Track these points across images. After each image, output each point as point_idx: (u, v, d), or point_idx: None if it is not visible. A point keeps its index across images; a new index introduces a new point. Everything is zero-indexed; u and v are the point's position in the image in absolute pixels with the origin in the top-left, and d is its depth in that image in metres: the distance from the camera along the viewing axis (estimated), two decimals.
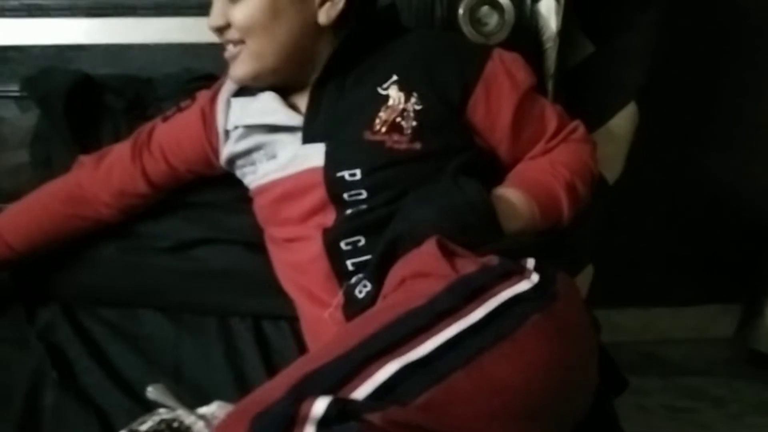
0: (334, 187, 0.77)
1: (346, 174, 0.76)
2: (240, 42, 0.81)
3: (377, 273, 0.70)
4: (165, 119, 0.91)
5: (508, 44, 1.01)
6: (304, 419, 0.44)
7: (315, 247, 0.76)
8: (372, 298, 0.69)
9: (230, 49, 0.83)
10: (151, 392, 0.76)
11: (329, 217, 0.77)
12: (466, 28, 1.02)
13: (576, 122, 0.86)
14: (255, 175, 0.86)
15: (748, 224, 1.67)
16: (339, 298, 0.73)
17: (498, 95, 0.79)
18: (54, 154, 0.96)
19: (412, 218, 0.70)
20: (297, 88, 0.84)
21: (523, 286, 0.60)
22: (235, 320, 0.91)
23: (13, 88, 1.09)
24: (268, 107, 0.84)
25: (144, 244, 0.93)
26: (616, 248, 1.54)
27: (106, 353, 0.85)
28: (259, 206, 0.87)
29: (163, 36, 1.08)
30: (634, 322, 1.69)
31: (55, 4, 1.07)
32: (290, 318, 0.89)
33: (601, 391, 0.71)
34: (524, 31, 1.02)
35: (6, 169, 1.14)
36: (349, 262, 0.74)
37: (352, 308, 0.70)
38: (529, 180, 0.79)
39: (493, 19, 1.02)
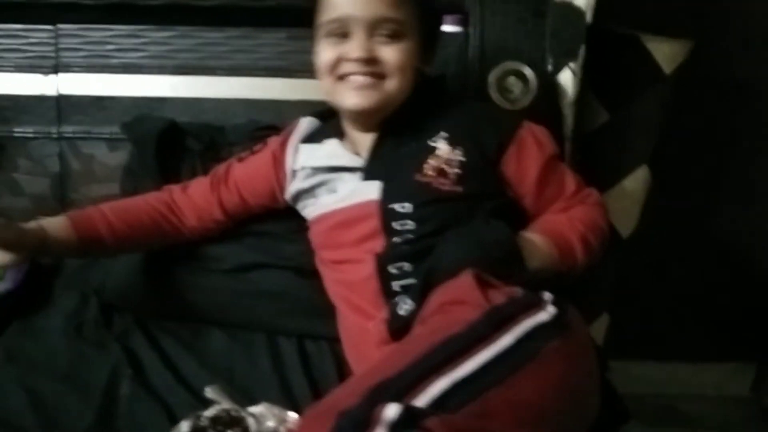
0: (387, 217, 0.91)
1: (397, 206, 0.91)
2: (379, 76, 0.93)
3: (418, 295, 0.82)
4: (240, 159, 1.08)
5: (531, 109, 1.16)
6: (378, 422, 0.53)
7: (366, 269, 0.89)
8: (412, 316, 0.81)
9: (362, 79, 0.93)
10: (209, 391, 0.88)
11: (379, 244, 0.90)
12: (494, 95, 1.16)
13: (591, 189, 1.00)
14: (315, 207, 1.01)
15: (764, 281, 1.71)
16: (384, 313, 0.86)
17: (527, 156, 0.95)
18: (141, 186, 1.12)
19: (450, 251, 0.83)
20: (360, 135, 1.00)
21: (543, 316, 0.71)
22: (281, 338, 1.03)
23: (105, 131, 1.28)
24: (334, 152, 1.00)
25: (209, 265, 1.07)
26: (635, 301, 1.61)
27: (171, 358, 0.97)
28: (316, 232, 1.01)
29: (233, 92, 1.26)
30: (652, 375, 1.73)
31: (147, 62, 1.27)
32: (330, 339, 1.01)
33: (604, 418, 0.82)
34: (545, 99, 1.16)
35: (90, 199, 1.31)
36: (395, 284, 0.87)
37: (395, 322, 0.83)
38: (550, 229, 0.92)
39: (518, 88, 1.17)
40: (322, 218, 1.00)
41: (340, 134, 1.03)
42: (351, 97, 0.94)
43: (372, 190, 0.93)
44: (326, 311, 1.01)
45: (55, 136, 1.30)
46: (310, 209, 1.03)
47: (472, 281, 0.75)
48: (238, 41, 1.26)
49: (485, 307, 0.71)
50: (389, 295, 0.87)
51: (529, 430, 0.62)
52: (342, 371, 0.96)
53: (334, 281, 0.98)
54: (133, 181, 1.16)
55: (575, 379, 0.72)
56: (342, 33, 0.93)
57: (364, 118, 0.98)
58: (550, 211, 0.96)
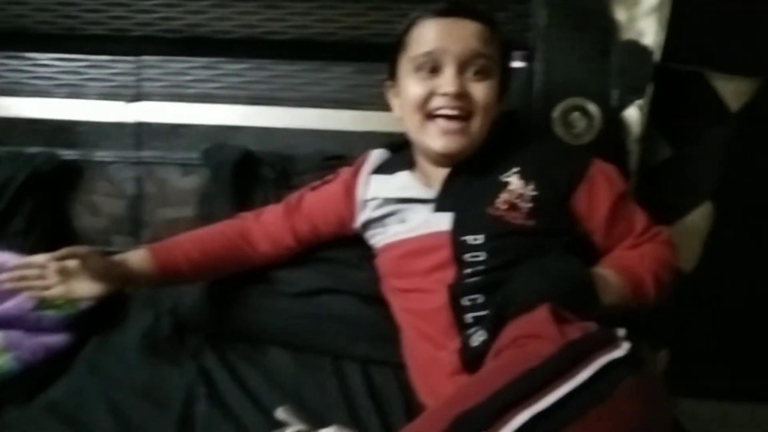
0: (459, 249, 0.93)
1: (470, 238, 0.93)
2: (465, 116, 0.95)
3: (492, 327, 0.84)
4: (313, 188, 1.12)
5: (594, 145, 1.18)
6: None
7: (438, 299, 0.91)
8: (485, 347, 0.83)
9: (451, 124, 0.95)
10: (281, 412, 0.92)
11: (449, 274, 0.92)
12: (558, 130, 1.19)
13: (660, 227, 1.00)
14: (384, 236, 1.04)
15: None
16: (456, 343, 0.88)
17: (597, 193, 0.96)
18: (217, 210, 1.17)
19: (525, 285, 0.84)
20: (433, 169, 1.02)
21: (618, 352, 0.71)
22: (346, 362, 1.06)
23: (180, 157, 1.35)
24: (406, 184, 1.03)
25: (278, 289, 1.11)
26: (694, 340, 1.59)
27: (243, 377, 1.00)
28: (384, 260, 1.04)
29: (303, 123, 1.31)
30: (710, 414, 1.69)
31: (221, 93, 1.34)
32: (394, 365, 1.03)
33: None
34: (609, 134, 1.18)
35: (164, 221, 1.38)
36: (467, 316, 0.89)
37: (468, 353, 0.85)
38: (622, 265, 0.93)
39: (582, 123, 1.19)
40: (392, 247, 1.02)
41: (411, 166, 1.06)
42: (439, 140, 0.96)
43: (443, 222, 0.96)
44: (391, 337, 1.03)
45: (133, 160, 1.37)
46: (378, 238, 1.06)
47: (547, 315, 0.77)
48: (308, 74, 1.32)
49: (561, 341, 0.72)
50: (461, 326, 0.89)
51: None
52: (407, 397, 0.98)
53: (403, 309, 1.00)
54: (209, 206, 1.22)
55: (650, 415, 0.72)
56: (432, 68, 0.95)
57: (447, 159, 1.00)
58: (620, 248, 0.97)
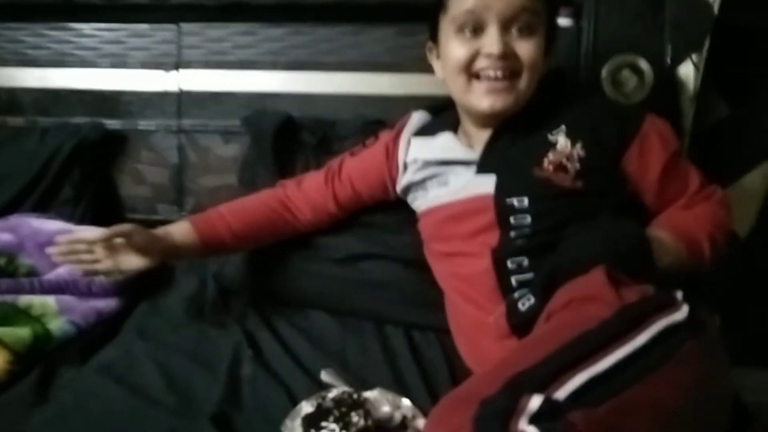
0: (503, 212, 0.90)
1: (515, 200, 0.90)
2: (512, 75, 0.91)
3: (541, 292, 0.81)
4: (353, 154, 1.11)
5: (646, 104, 1.13)
6: (521, 411, 0.54)
7: (482, 263, 0.89)
8: (533, 312, 0.81)
9: (497, 84, 0.91)
10: (325, 375, 0.93)
11: (493, 237, 0.90)
12: (608, 88, 1.14)
13: (715, 186, 0.96)
14: (425, 199, 1.02)
15: None
16: (502, 308, 0.86)
17: (650, 152, 0.91)
18: (258, 177, 1.18)
19: (578, 247, 0.81)
20: (476, 130, 0.99)
21: (677, 316, 0.70)
22: (389, 327, 1.06)
23: (221, 125, 1.36)
24: (448, 145, 1.01)
25: (321, 254, 1.11)
26: (745, 306, 1.54)
27: (287, 341, 1.01)
28: (426, 224, 1.03)
29: (343, 88, 1.30)
30: (764, 383, 1.65)
31: (261, 59, 1.33)
32: (437, 330, 1.03)
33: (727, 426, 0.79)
34: (662, 93, 1.12)
35: (207, 189, 1.40)
36: (513, 278, 0.87)
37: (515, 318, 0.84)
38: (676, 225, 0.89)
39: (632, 82, 1.13)
40: (434, 210, 1.01)
41: (453, 127, 1.03)
42: (485, 99, 0.92)
43: (487, 184, 0.93)
44: (433, 302, 1.03)
45: (174, 129, 1.38)
46: (420, 201, 1.04)
47: (603, 278, 0.74)
48: (347, 37, 1.30)
49: (618, 304, 0.70)
50: (507, 290, 0.87)
51: (665, 431, 0.61)
52: (451, 361, 0.97)
53: (447, 273, 0.99)
54: (250, 173, 1.22)
55: (710, 381, 0.70)
56: (475, 27, 0.91)
57: (493, 119, 0.96)
58: (673, 208, 0.93)
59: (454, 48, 0.93)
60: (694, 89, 1.13)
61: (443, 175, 1.00)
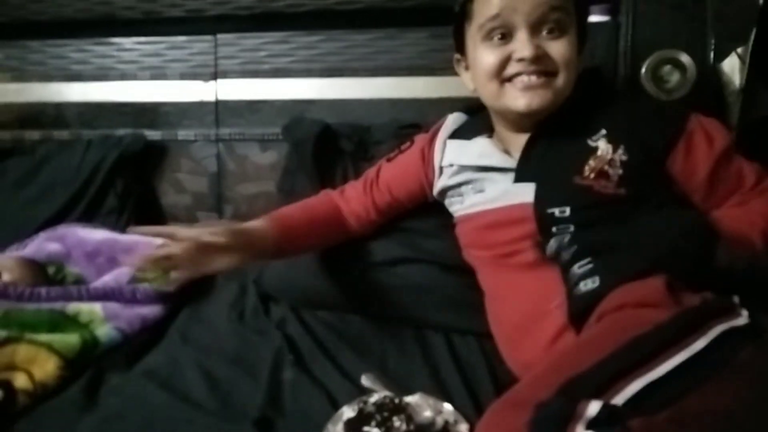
0: (544, 222, 0.87)
1: (556, 211, 0.86)
2: (548, 74, 0.88)
3: (606, 277, 0.79)
4: (389, 160, 1.10)
5: (689, 99, 1.10)
6: (579, 417, 0.53)
7: (529, 255, 0.88)
8: (594, 296, 0.78)
9: (533, 80, 0.88)
10: (365, 379, 0.93)
11: (535, 236, 0.88)
12: (648, 86, 1.11)
13: None
14: (462, 205, 1.00)
15: None
16: (562, 294, 0.83)
17: (696, 152, 0.87)
18: (297, 185, 1.19)
19: (640, 250, 0.79)
20: (512, 135, 0.96)
21: (737, 321, 0.67)
22: (428, 331, 1.06)
23: (258, 133, 1.38)
24: (484, 151, 0.97)
25: (359, 259, 1.11)
26: None
27: (326, 346, 1.02)
28: (464, 231, 1.01)
29: (377, 93, 1.31)
30: None
31: (295, 66, 1.35)
32: (477, 334, 1.02)
33: None
34: (706, 88, 1.09)
35: (244, 197, 1.42)
36: (574, 268, 0.83)
37: (575, 302, 0.81)
38: (728, 226, 0.83)
39: (674, 77, 1.11)
40: (471, 218, 0.99)
41: (490, 131, 1.01)
42: (521, 98, 0.88)
43: (525, 193, 0.90)
44: (473, 305, 1.01)
45: (213, 138, 1.41)
46: (456, 207, 1.03)
47: (662, 285, 0.72)
48: (380, 42, 1.31)
49: (675, 309, 0.68)
50: (566, 278, 0.84)
51: None
52: (492, 366, 0.96)
53: (492, 273, 0.96)
54: (290, 181, 1.24)
55: None
56: (503, 33, 0.88)
57: (529, 119, 0.93)
58: (726, 205, 0.88)
59: (483, 56, 0.90)
60: (740, 83, 1.09)
61: (479, 181, 0.98)
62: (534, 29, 0.87)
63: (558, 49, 0.87)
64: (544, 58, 0.87)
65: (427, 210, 1.10)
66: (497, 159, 0.96)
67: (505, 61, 0.88)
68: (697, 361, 0.62)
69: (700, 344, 0.63)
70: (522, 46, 0.86)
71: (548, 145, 0.92)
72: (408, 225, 1.12)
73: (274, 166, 1.36)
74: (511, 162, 0.94)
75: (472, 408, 0.86)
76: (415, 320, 1.08)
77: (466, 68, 0.98)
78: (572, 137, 0.90)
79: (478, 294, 1.00)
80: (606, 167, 0.86)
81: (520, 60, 0.87)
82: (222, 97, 1.40)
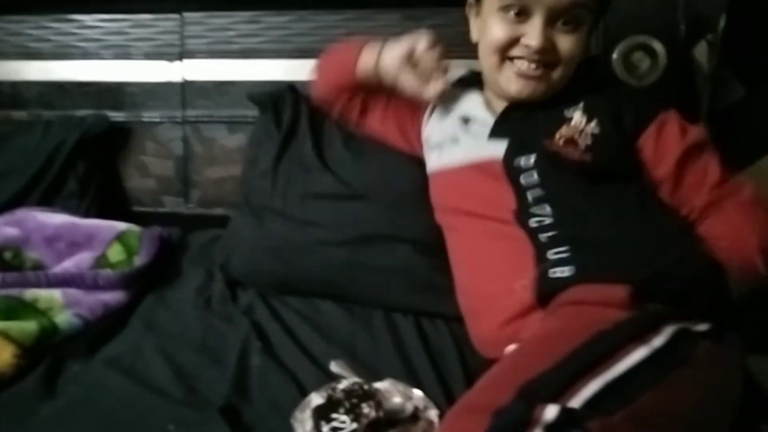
0: (513, 173, 0.89)
1: (521, 159, 0.89)
2: (546, 66, 0.90)
3: (583, 271, 0.78)
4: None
5: (659, 86, 1.11)
6: (536, 422, 0.53)
7: (504, 227, 0.87)
8: (563, 285, 0.78)
9: (531, 68, 0.89)
10: (334, 365, 0.91)
11: (511, 202, 0.88)
12: (619, 71, 1.11)
13: (742, 180, 0.89)
14: (439, 159, 1.01)
15: None
16: (531, 275, 0.82)
17: (666, 139, 0.88)
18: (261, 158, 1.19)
19: (663, 269, 0.77)
20: (496, 99, 0.98)
21: (698, 327, 0.68)
22: (398, 316, 1.04)
23: (226, 115, 1.34)
24: (471, 103, 1.00)
25: (325, 237, 1.08)
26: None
27: (295, 332, 1.00)
28: (438, 188, 1.02)
29: None
30: None
31: (265, 47, 1.31)
32: (446, 317, 1.01)
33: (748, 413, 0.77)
34: (676, 74, 1.10)
35: (211, 180, 1.38)
36: (540, 236, 0.84)
37: (544, 286, 0.80)
38: (728, 258, 0.80)
39: (645, 63, 1.11)
40: (445, 173, 0.99)
41: (482, 86, 1.02)
42: (515, 83, 0.90)
43: (498, 149, 0.92)
44: (443, 289, 1.01)
45: (179, 120, 1.37)
46: (434, 160, 1.03)
47: (626, 293, 0.72)
48: (352, 23, 1.28)
49: (634, 312, 0.68)
50: (538, 254, 0.83)
51: None
52: (461, 350, 0.95)
53: (465, 239, 0.95)
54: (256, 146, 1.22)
55: (726, 380, 0.68)
56: (520, 11, 0.87)
57: (518, 101, 0.94)
58: (695, 206, 0.86)
59: (494, 26, 0.90)
60: (709, 70, 1.10)
61: (458, 132, 0.99)
62: (551, 19, 0.86)
63: (567, 43, 0.88)
64: (549, 50, 0.87)
65: (401, 179, 1.10)
66: (480, 113, 0.98)
67: (513, 41, 0.89)
68: (655, 359, 0.62)
69: (658, 341, 0.63)
70: (533, 34, 0.86)
71: (527, 109, 0.93)
72: (382, 197, 1.10)
73: (243, 149, 1.33)
74: (489, 117, 0.96)
75: (442, 394, 0.86)
76: (384, 303, 1.06)
77: (476, 15, 0.97)
78: (551, 106, 0.91)
79: (449, 277, 1.00)
80: (576, 136, 0.87)
81: (527, 46, 0.87)
82: (189, 77, 1.35)
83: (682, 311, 0.69)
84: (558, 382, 0.58)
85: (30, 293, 1.01)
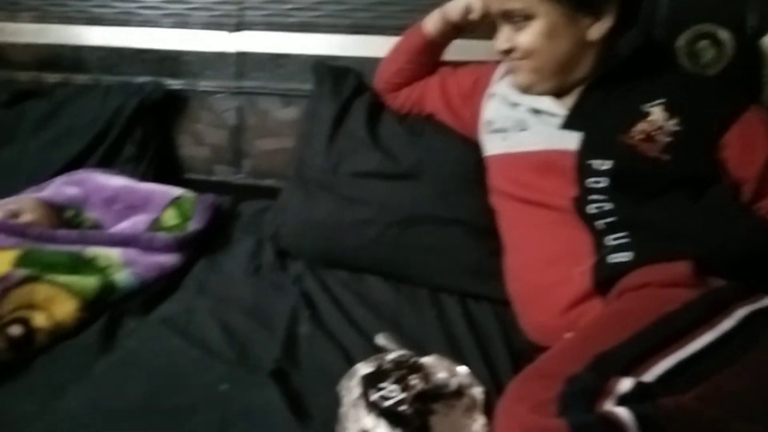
0: (583, 172, 0.88)
1: (596, 162, 0.88)
2: (522, 58, 0.95)
3: (642, 255, 0.78)
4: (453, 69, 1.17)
5: (723, 76, 1.08)
6: (610, 393, 0.55)
7: (564, 216, 0.87)
8: (622, 270, 0.78)
9: (513, 61, 0.96)
10: (380, 338, 0.93)
11: (571, 188, 0.88)
12: (682, 60, 1.09)
13: None
14: (503, 143, 1.01)
15: None
16: (590, 260, 0.83)
17: (752, 140, 0.86)
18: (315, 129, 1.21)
19: (721, 240, 0.78)
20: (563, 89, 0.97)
21: (762, 303, 0.68)
22: (444, 295, 1.06)
23: (280, 87, 1.36)
24: None
25: (376, 217, 1.10)
26: None
27: (342, 304, 1.02)
28: (499, 172, 1.01)
29: None
30: None
31: (322, 21, 1.32)
32: (493, 300, 1.02)
33: None
34: (743, 65, 1.07)
35: (263, 152, 1.41)
36: (597, 223, 0.84)
37: (603, 271, 0.80)
38: None
39: (710, 53, 1.08)
40: (510, 158, 0.99)
41: None
42: (513, 78, 0.99)
43: (570, 141, 0.91)
44: (490, 273, 1.01)
45: (234, 90, 1.39)
46: (496, 144, 1.02)
47: (689, 269, 0.72)
48: (411, 1, 1.27)
49: (701, 290, 0.68)
50: (596, 241, 0.83)
51: (752, 419, 0.59)
52: (507, 333, 0.96)
53: (521, 224, 0.96)
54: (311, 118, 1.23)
55: None
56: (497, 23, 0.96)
57: (569, 86, 0.96)
58: None
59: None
60: None
61: (525, 121, 0.99)
62: (507, 21, 0.93)
63: (520, 39, 0.93)
64: (510, 51, 0.94)
65: (455, 159, 1.11)
66: (548, 103, 0.97)
67: None
68: (725, 342, 0.62)
69: (727, 324, 0.64)
70: (496, 39, 0.95)
71: (602, 100, 0.93)
72: (433, 177, 1.11)
73: (295, 122, 1.35)
74: (560, 108, 0.96)
75: (487, 373, 0.87)
76: (431, 282, 1.07)
77: None
78: (626, 98, 0.91)
79: (498, 261, 1.00)
80: (654, 133, 0.87)
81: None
82: (245, 49, 1.37)
83: (748, 286, 0.69)
84: (630, 356, 0.59)
85: (90, 251, 1.05)
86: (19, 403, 0.78)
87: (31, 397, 0.79)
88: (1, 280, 0.91)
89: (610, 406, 0.53)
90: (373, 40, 1.29)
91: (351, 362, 0.87)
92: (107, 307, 0.97)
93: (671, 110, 0.87)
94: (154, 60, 1.43)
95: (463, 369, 0.87)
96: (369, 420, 0.76)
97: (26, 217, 1.10)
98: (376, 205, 1.11)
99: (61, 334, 0.91)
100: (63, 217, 1.19)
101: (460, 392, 0.84)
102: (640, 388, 0.55)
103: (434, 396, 0.81)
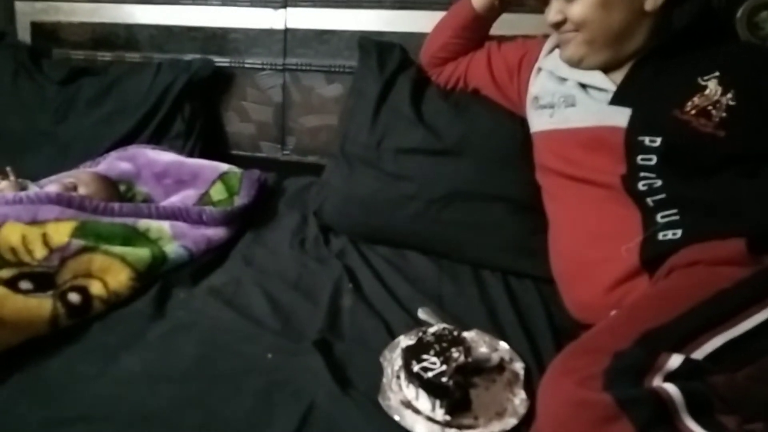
0: (632, 149, 0.86)
1: (646, 139, 0.85)
2: (574, 30, 0.93)
3: (692, 232, 0.77)
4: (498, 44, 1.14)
5: None
6: (659, 369, 0.54)
7: (609, 191, 0.86)
8: (671, 247, 0.77)
9: (562, 35, 0.95)
10: (422, 312, 0.94)
11: (620, 165, 0.86)
12: (742, 31, 1.05)
13: None
14: (551, 119, 0.98)
15: None
16: (639, 238, 0.81)
17: None
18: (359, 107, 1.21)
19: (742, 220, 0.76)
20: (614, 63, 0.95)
21: None
22: (486, 272, 1.06)
23: (325, 64, 1.36)
24: None
25: (415, 192, 1.11)
26: None
27: (384, 278, 1.03)
28: (546, 147, 0.99)
29: None
30: None
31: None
32: (535, 278, 1.02)
33: None
34: None
35: (307, 129, 1.42)
36: (648, 200, 0.82)
37: (651, 249, 0.79)
38: None
39: None
40: (557, 134, 0.97)
41: None
42: (562, 51, 0.97)
43: (619, 117, 0.88)
44: (533, 250, 1.01)
45: (280, 67, 1.41)
46: (544, 119, 1.00)
47: (743, 246, 0.71)
48: None
49: (753, 268, 0.66)
50: (646, 218, 0.82)
51: None
52: (549, 311, 0.96)
53: (568, 200, 0.94)
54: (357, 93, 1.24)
55: None
56: None
57: (622, 59, 0.94)
58: None
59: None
60: None
61: (574, 96, 0.96)
62: None
63: (573, 10, 0.91)
64: (562, 23, 0.92)
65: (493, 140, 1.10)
66: (597, 78, 0.95)
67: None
68: None
69: None
70: (547, 11, 0.94)
71: (654, 74, 0.91)
72: (477, 154, 1.10)
73: (339, 99, 1.35)
74: (609, 83, 0.93)
75: (528, 349, 0.87)
76: (474, 259, 1.08)
77: None
78: (681, 71, 0.88)
79: (541, 238, 1.00)
80: (710, 107, 0.83)
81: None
82: (291, 25, 1.38)
83: None
84: (680, 333, 0.59)
85: (143, 223, 1.09)
86: (79, 365, 0.82)
87: (90, 360, 0.83)
88: (59, 250, 0.95)
89: (658, 382, 0.53)
90: (418, 15, 1.28)
91: (392, 335, 0.89)
92: (158, 278, 1.01)
93: (726, 84, 0.84)
94: (202, 37, 1.46)
95: (504, 345, 0.87)
96: (410, 391, 0.77)
97: (82, 191, 1.15)
98: (419, 182, 1.11)
99: (115, 301, 0.95)
100: (118, 190, 1.23)
101: (501, 367, 0.84)
102: (689, 366, 0.54)
103: (475, 369, 0.82)
